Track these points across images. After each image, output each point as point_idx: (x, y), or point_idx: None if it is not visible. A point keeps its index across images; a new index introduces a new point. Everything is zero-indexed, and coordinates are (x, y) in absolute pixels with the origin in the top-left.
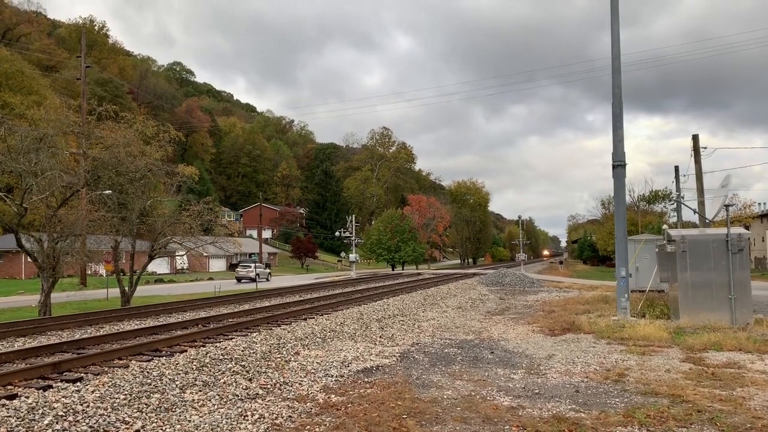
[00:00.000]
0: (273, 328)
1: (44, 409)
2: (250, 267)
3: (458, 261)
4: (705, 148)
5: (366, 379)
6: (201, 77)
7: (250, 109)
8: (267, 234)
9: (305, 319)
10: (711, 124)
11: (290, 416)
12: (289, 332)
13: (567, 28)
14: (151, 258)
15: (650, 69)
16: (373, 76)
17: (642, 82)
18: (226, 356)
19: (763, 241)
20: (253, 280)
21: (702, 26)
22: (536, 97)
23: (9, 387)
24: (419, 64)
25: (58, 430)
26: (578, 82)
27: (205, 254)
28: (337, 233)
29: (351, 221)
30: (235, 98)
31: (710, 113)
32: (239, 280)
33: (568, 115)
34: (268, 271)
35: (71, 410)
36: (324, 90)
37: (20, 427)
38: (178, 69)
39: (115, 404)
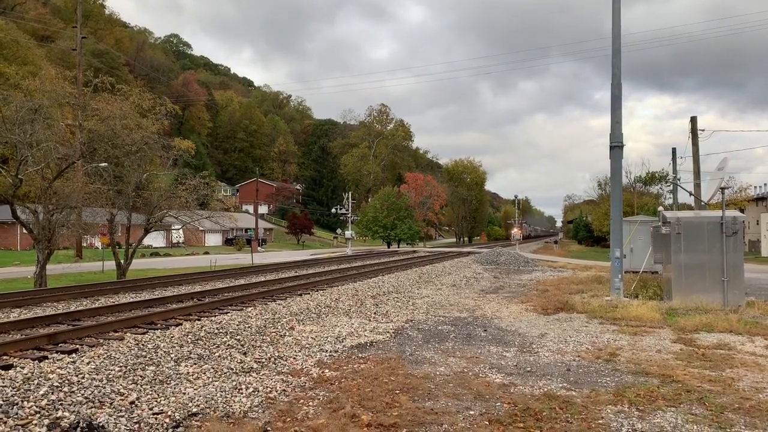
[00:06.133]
0: (268, 303)
1: (40, 379)
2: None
3: (454, 239)
4: (703, 130)
5: (360, 355)
6: (206, 46)
7: (247, 83)
8: (263, 209)
9: (300, 295)
10: (722, 104)
11: (284, 390)
12: (284, 307)
13: (583, 1)
14: (147, 231)
15: (664, 47)
16: (382, 48)
17: (655, 60)
18: (221, 330)
19: (757, 224)
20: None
21: (722, 2)
22: (547, 73)
23: (5, 357)
24: (431, 36)
25: (53, 400)
26: (591, 59)
27: (200, 229)
28: (333, 210)
29: (347, 198)
30: (232, 72)
31: (722, 93)
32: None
33: (577, 92)
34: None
35: (66, 381)
36: (331, 62)
37: (16, 397)
38: (175, 41)
39: (110, 376)
